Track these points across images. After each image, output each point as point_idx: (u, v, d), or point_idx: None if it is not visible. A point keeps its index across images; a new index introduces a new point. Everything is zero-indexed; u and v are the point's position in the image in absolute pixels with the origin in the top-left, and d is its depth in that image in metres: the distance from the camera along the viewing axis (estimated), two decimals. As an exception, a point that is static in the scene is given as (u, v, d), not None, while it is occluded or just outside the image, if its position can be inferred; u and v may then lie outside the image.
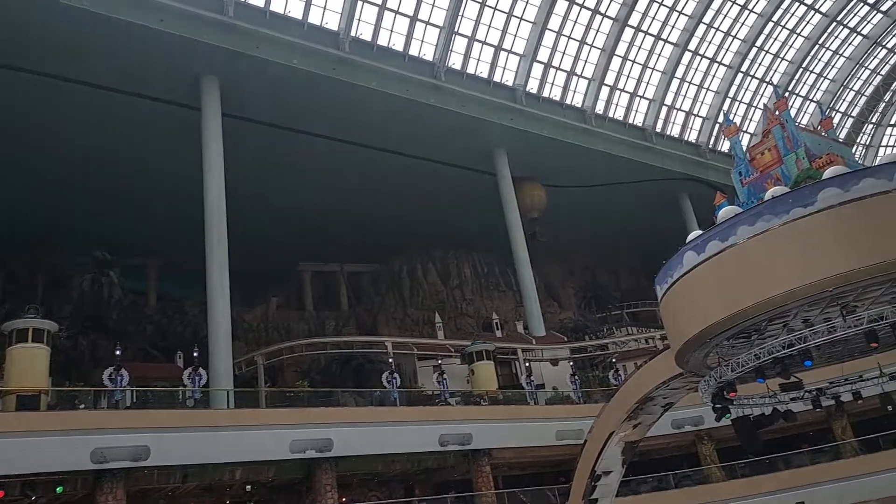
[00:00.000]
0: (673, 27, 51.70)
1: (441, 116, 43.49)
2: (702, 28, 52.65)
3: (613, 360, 42.69)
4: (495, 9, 44.34)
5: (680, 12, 51.11)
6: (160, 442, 25.09)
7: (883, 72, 64.73)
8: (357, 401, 33.27)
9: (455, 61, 44.18)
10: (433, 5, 42.08)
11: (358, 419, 30.14)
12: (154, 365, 38.68)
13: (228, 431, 27.18)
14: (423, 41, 42.77)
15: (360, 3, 39.65)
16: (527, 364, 41.10)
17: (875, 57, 63.59)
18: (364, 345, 43.65)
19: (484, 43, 45.00)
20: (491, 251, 58.13)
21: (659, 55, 52.58)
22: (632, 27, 49.93)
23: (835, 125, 61.06)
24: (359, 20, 40.14)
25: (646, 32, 50.86)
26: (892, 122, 69.57)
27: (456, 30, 43.24)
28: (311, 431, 28.39)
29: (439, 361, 37.65)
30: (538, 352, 43.74)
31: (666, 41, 52.12)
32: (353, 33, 39.95)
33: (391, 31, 41.58)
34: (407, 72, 41.69)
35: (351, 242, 53.75)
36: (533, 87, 47.84)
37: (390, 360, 37.06)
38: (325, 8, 39.07)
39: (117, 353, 28.45)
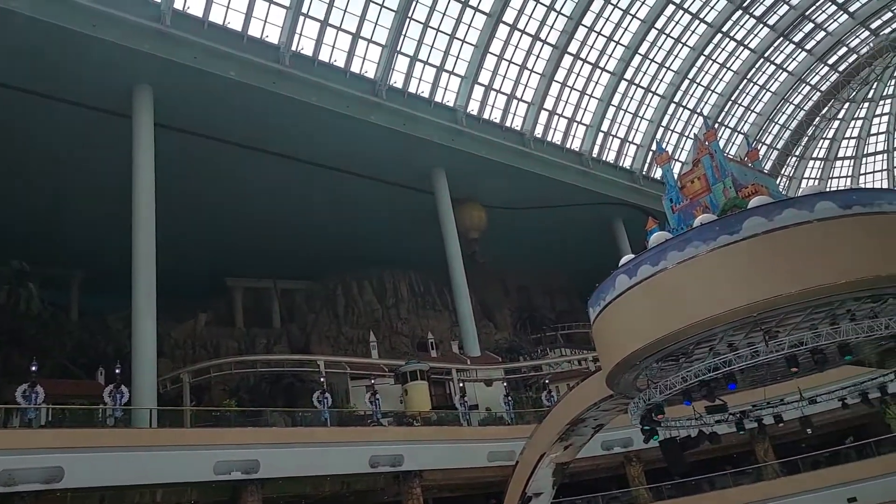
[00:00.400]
0: (610, 56, 53.01)
1: (381, 134, 43.30)
2: (637, 58, 54.16)
3: (546, 381, 42.97)
4: (438, 30, 44.62)
5: (617, 42, 52.49)
6: (76, 463, 24.01)
7: (806, 107, 67.70)
8: (287, 421, 32.51)
9: (397, 80, 44.16)
10: (376, 23, 42.05)
11: (286, 440, 29.48)
12: (73, 382, 36.93)
13: (150, 452, 26.24)
14: (364, 58, 42.63)
15: (301, 18, 39.29)
16: (461, 384, 40.96)
17: (799, 93, 66.53)
18: (295, 363, 42.71)
19: (426, 63, 45.18)
20: (428, 270, 58.05)
21: (596, 83, 53.79)
22: (571, 54, 50.97)
23: (760, 157, 63.38)
24: (300, 35, 39.74)
25: (584, 60, 51.99)
26: (815, 155, 72.80)
27: (398, 49, 43.29)
28: (236, 452, 27.66)
29: (372, 381, 37.21)
30: (472, 372, 43.69)
31: (603, 70, 53.38)
32: (293, 48, 39.50)
33: (333, 47, 41.32)
34: (348, 88, 41.40)
35: (285, 258, 52.83)
36: (474, 108, 48.22)
37: (322, 380, 36.45)
38: (265, 21, 38.56)
39: (33, 368, 27.09)
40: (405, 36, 43.37)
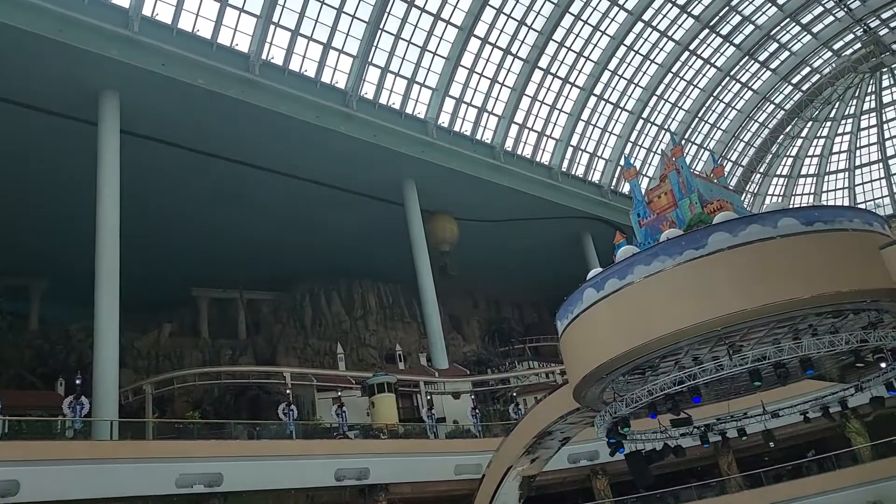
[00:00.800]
0: (580, 72, 53.61)
1: (351, 145, 43.13)
2: (607, 74, 54.84)
3: (514, 393, 43.00)
4: (410, 42, 44.75)
5: (587, 58, 53.12)
6: (32, 476, 23.39)
7: (770, 125, 69.08)
8: (251, 433, 32.07)
9: (368, 91, 44.06)
10: (347, 34, 42.02)
11: (250, 453, 29.11)
12: (31, 392, 36.18)
13: (110, 465, 25.72)
14: (335, 69, 42.52)
15: (272, 27, 39.12)
16: (428, 397, 40.82)
17: (764, 111, 67.88)
18: (261, 375, 42.11)
19: (397, 75, 45.20)
20: (397, 282, 57.92)
21: (566, 98, 54.30)
22: (541, 69, 51.44)
23: (726, 173, 64.42)
24: (270, 44, 39.52)
25: (554, 75, 52.51)
26: (778, 172, 74.25)
27: (370, 60, 43.27)
28: (199, 465, 27.21)
29: (339, 393, 36.92)
30: (440, 384, 43.57)
31: (573, 85, 53.95)
32: (264, 56, 39.26)
33: (304, 56, 41.15)
34: (318, 98, 41.18)
35: (252, 269, 52.25)
36: (444, 120, 48.29)
37: (288, 392, 36.08)
38: (235, 29, 38.28)
39: (-11, 379, 26.51)
40: (377, 47, 43.38)
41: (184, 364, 47.30)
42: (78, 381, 29.21)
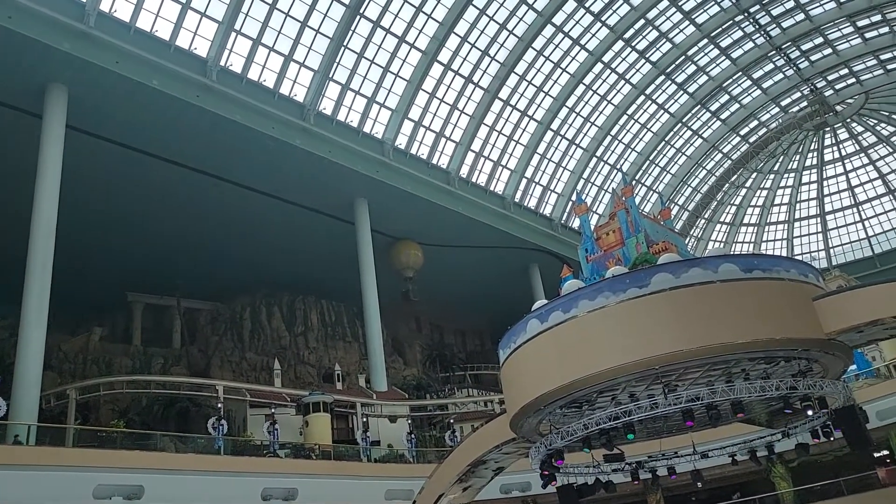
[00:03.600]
0: (539, 106, 54.46)
1: (305, 159, 42.72)
2: (564, 111, 55.84)
3: (451, 420, 42.76)
4: (372, 62, 44.79)
5: (546, 93, 54.01)
6: (-63, 479, 22.12)
7: (717, 173, 71.12)
8: (178, 446, 31.05)
9: (326, 106, 43.82)
10: (310, 48, 41.83)
11: (175, 466, 28.13)
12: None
13: (24, 471, 24.48)
14: (295, 82, 42.23)
15: (233, 34, 38.69)
16: (364, 419, 40.25)
17: (712, 159, 69.95)
18: (193, 387, 40.81)
19: (357, 93, 45.13)
20: (340, 300, 57.30)
21: (524, 130, 55.02)
22: (501, 100, 52.07)
23: (672, 216, 66.00)
24: (230, 51, 39.05)
25: (513, 107, 53.20)
26: (722, 219, 76.41)
27: (330, 76, 43.11)
28: (120, 476, 26.20)
29: (272, 410, 36.10)
30: (377, 407, 43.02)
31: (531, 118, 54.73)
32: (222, 63, 38.77)
33: (263, 66, 40.77)
34: (275, 110, 40.78)
35: (192, 277, 50.94)
36: (402, 142, 48.32)
37: (219, 406, 35.13)
38: (195, 33, 37.73)
39: None
40: (339, 64, 43.28)
41: (112, 370, 45.57)
42: (-3, 382, 27.95)
